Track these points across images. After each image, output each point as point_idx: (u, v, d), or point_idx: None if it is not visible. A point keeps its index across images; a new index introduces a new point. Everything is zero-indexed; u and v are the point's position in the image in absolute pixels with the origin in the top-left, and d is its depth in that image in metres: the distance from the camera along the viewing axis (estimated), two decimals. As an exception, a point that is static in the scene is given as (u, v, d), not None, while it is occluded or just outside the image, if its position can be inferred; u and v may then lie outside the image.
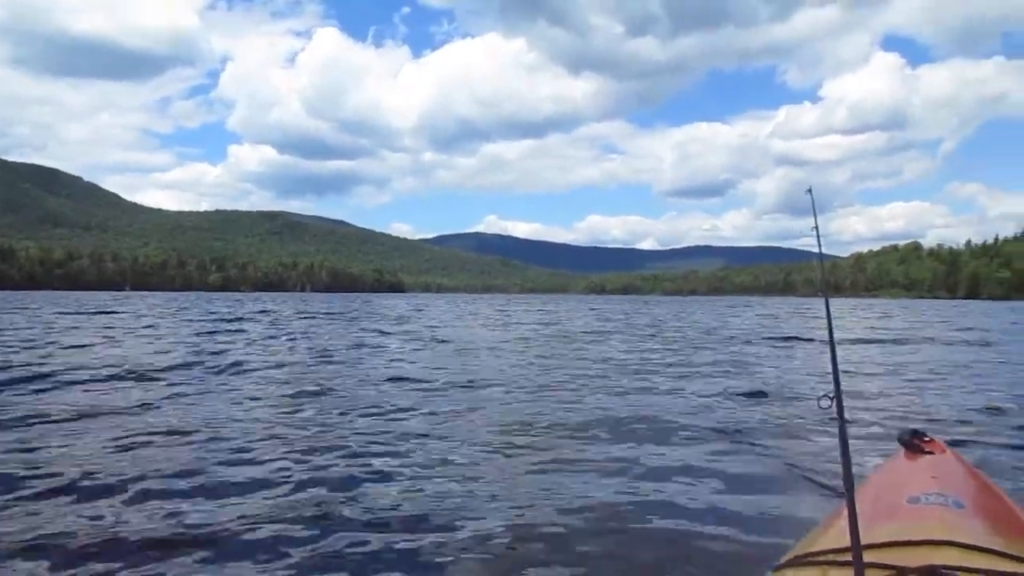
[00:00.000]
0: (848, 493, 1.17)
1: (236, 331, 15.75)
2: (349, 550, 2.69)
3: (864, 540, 1.09)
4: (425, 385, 7.14)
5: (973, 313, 37.84)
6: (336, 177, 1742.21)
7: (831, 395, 1.37)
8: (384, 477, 3.69)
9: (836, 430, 1.04)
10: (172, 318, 21.98)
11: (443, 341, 13.47)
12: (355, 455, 4.08)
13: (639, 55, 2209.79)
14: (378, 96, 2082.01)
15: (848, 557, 1.22)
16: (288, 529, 2.86)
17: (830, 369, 1.43)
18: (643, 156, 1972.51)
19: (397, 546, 2.73)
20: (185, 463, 3.77)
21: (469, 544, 2.75)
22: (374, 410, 5.74)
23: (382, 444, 4.41)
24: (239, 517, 2.94)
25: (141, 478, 3.42)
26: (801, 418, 5.47)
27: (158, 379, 7.38)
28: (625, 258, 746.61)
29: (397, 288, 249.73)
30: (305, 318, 24.73)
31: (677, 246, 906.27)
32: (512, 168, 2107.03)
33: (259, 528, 2.84)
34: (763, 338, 14.80)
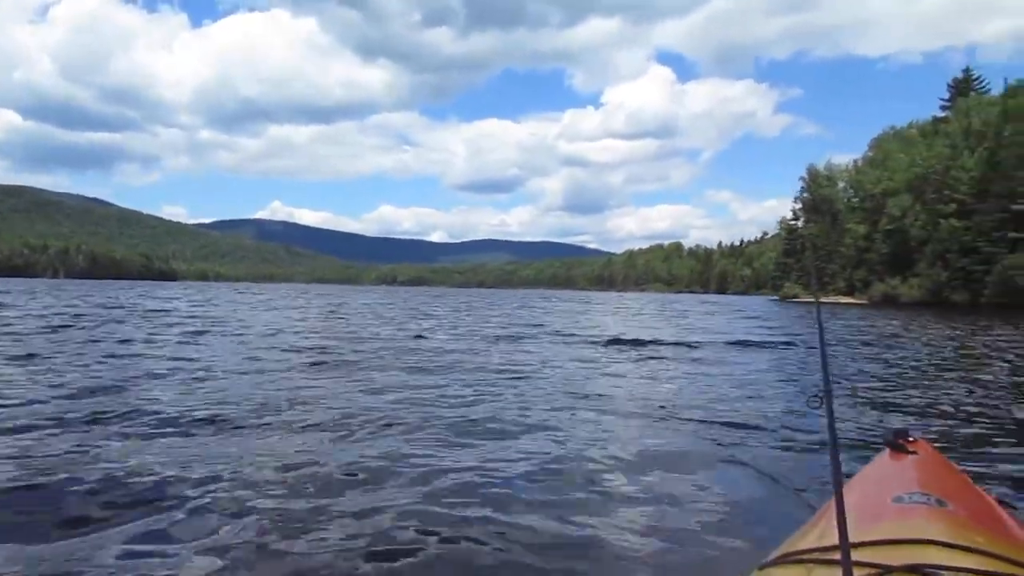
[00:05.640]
0: (837, 492, 1.18)
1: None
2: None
3: (850, 539, 1.10)
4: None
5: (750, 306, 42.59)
6: (97, 151, 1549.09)
7: (820, 394, 1.37)
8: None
9: (816, 428, 1.36)
10: None
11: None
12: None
13: (435, 47, 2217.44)
14: (149, 65, 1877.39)
15: (834, 556, 1.21)
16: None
17: (805, 370, 1.53)
18: (436, 149, 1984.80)
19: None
20: None
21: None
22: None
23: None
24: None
25: None
26: (784, 415, 5.49)
27: None
28: (416, 250, 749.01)
29: (168, 276, 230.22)
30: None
31: (467, 239, 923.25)
32: (300, 153, 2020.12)
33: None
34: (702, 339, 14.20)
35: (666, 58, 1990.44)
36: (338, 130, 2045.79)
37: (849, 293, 64.14)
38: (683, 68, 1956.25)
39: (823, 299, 64.08)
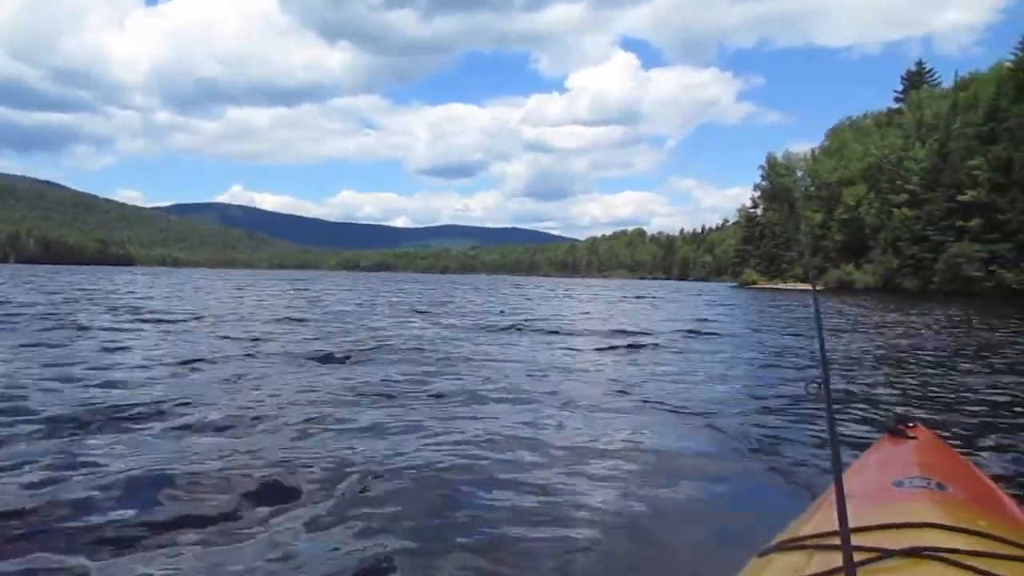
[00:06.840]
0: (836, 477, 1.19)
1: None
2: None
3: (850, 524, 1.12)
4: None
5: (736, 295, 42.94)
6: (47, 132, 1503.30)
7: (819, 380, 1.40)
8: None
9: (814, 414, 1.56)
10: None
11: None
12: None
13: (397, 29, 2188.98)
14: (101, 44, 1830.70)
15: (834, 541, 1.23)
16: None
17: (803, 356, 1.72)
18: (399, 133, 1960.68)
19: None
20: None
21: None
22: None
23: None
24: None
25: None
26: (782, 402, 5.56)
27: None
28: (379, 235, 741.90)
29: (125, 261, 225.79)
30: None
31: (430, 224, 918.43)
32: (260, 136, 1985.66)
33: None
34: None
35: (631, 44, 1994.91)
36: (299, 113, 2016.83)
37: (805, 279, 65.62)
38: (648, 55, 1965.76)
39: (780, 285, 65.81)
